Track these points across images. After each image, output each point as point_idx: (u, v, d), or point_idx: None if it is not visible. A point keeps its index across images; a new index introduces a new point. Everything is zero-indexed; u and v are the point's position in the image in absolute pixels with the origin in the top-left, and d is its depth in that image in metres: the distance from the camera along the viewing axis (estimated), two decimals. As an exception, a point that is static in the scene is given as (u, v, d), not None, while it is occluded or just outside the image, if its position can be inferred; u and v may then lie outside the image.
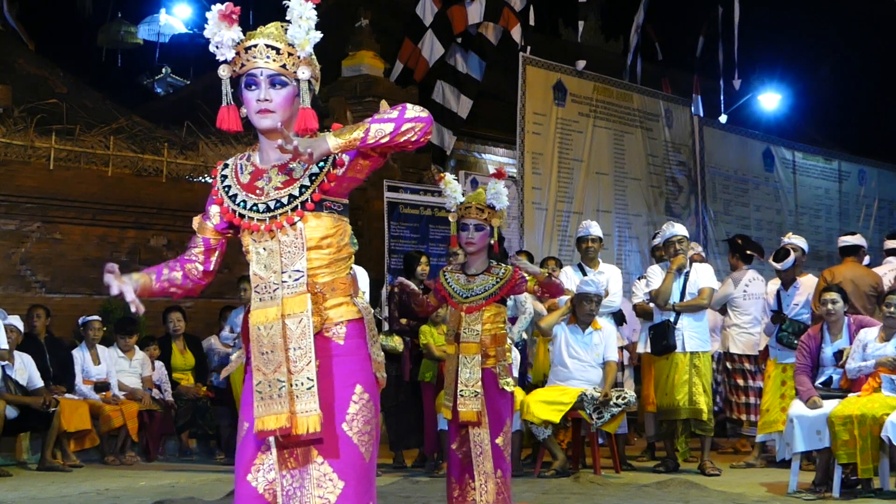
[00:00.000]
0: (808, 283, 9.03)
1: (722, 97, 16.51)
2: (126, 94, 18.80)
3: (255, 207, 3.07)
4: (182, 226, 10.84)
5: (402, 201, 11.85)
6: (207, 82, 17.61)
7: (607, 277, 9.06)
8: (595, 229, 9.20)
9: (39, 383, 8.80)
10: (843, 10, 21.98)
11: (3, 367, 8.64)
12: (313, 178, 3.02)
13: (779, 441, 8.99)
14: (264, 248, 3.05)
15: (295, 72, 3.00)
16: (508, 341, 5.43)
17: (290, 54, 3.01)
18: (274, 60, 3.02)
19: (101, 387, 9.40)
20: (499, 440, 5.19)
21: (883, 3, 18.42)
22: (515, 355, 8.36)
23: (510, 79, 13.01)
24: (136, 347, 9.81)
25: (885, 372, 7.19)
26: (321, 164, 3.03)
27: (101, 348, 9.55)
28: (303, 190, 3.02)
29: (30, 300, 10.00)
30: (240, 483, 3.02)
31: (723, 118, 16.50)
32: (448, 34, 13.40)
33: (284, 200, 3.03)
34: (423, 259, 9.16)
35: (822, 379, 7.64)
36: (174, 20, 24.25)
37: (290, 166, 3.06)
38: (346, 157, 3.02)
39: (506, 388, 5.25)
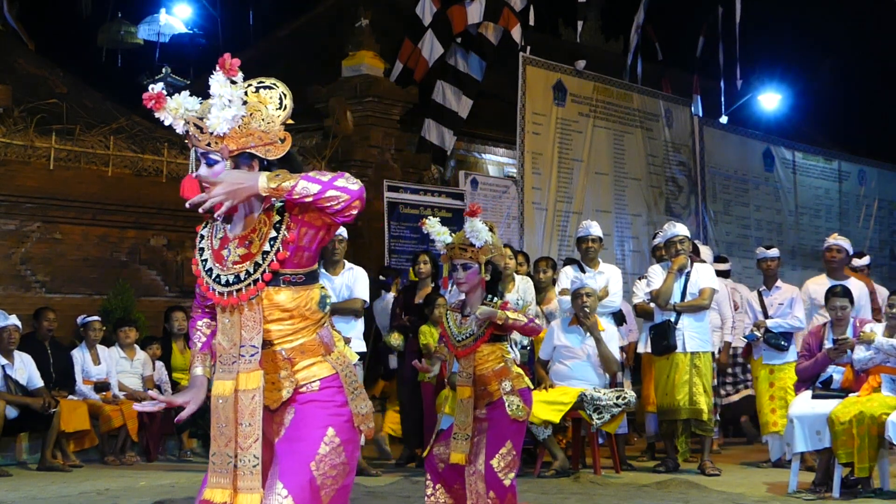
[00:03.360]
0: (789, 288, 9.28)
1: (722, 97, 16.50)
2: (126, 94, 18.77)
3: (218, 279, 3.08)
4: (182, 226, 10.85)
5: (402, 201, 11.85)
6: (207, 82, 17.58)
7: (607, 277, 9.06)
8: (595, 229, 9.20)
9: (39, 383, 8.80)
10: (843, 10, 21.97)
11: (3, 366, 8.65)
12: (265, 255, 3.02)
13: (772, 442, 9.03)
14: (228, 319, 3.06)
15: (220, 149, 2.98)
16: (508, 367, 5.32)
17: (211, 132, 2.97)
18: (199, 139, 2.99)
19: (101, 387, 9.40)
20: (493, 461, 5.14)
21: (883, 3, 18.42)
22: (515, 355, 8.36)
23: (510, 79, 13.00)
24: (137, 347, 9.81)
25: (886, 371, 7.20)
26: (271, 241, 3.02)
27: (101, 348, 9.55)
28: (256, 267, 3.02)
29: (30, 300, 9.99)
30: (199, 495, 3.13)
31: (723, 118, 16.49)
32: (448, 34, 13.40)
33: (242, 276, 3.04)
34: (422, 257, 9.25)
35: (822, 378, 7.64)
36: (174, 20, 24.21)
37: (249, 240, 3.05)
38: (294, 232, 3.01)
39: (518, 415, 5.20)
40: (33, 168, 10.30)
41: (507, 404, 5.19)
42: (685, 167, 14.61)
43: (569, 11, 17.13)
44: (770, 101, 19.45)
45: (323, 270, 8.36)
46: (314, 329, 3.10)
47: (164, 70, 23.82)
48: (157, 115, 3.00)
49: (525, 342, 8.93)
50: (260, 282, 3.01)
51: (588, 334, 8.42)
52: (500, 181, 13.46)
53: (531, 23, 13.34)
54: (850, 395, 7.30)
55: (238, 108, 2.96)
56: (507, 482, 5.15)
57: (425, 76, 13.51)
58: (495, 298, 5.28)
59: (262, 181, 2.90)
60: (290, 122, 3.12)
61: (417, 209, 11.92)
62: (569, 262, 9.63)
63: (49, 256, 10.33)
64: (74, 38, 21.69)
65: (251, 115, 3.00)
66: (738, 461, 9.40)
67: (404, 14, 14.49)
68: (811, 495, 7.20)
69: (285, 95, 3.07)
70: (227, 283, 3.06)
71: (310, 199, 2.89)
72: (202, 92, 3.10)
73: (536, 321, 5.34)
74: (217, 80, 2.96)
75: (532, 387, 5.42)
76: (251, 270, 3.03)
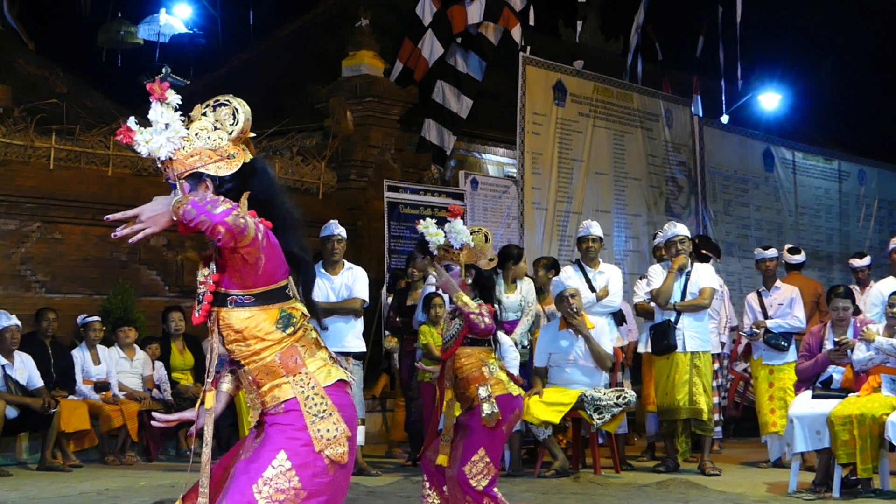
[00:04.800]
0: (788, 288, 9.32)
1: (722, 97, 16.49)
2: (126, 94, 18.78)
3: (198, 298, 3.18)
4: (182, 226, 10.86)
5: (402, 201, 11.85)
6: (207, 82, 17.58)
7: (607, 277, 9.06)
8: (595, 229, 9.20)
9: (39, 383, 8.80)
10: (843, 10, 21.97)
11: (3, 366, 8.65)
12: (207, 277, 3.11)
13: (770, 443, 9.03)
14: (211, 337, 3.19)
15: (171, 174, 3.04)
16: (487, 373, 5.33)
17: (158, 158, 3.03)
18: (159, 165, 3.06)
19: (101, 387, 9.40)
20: (466, 467, 5.19)
21: (883, 3, 18.42)
22: (515, 355, 8.36)
23: (510, 79, 13.00)
24: (137, 347, 9.82)
25: (886, 371, 7.20)
26: (212, 263, 3.09)
27: (101, 348, 9.55)
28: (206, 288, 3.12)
29: (30, 300, 9.99)
30: None
31: (723, 118, 16.48)
32: (448, 34, 13.40)
33: (201, 296, 3.14)
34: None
35: (822, 379, 7.64)
36: (174, 20, 24.20)
37: (209, 260, 3.12)
38: (223, 256, 3.03)
39: (489, 422, 5.22)
40: (33, 168, 10.31)
41: (481, 411, 5.21)
42: (685, 167, 14.60)
43: (569, 11, 17.14)
44: (770, 101, 19.44)
45: (322, 270, 8.37)
46: (275, 350, 3.09)
47: (164, 70, 23.82)
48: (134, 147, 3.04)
49: (524, 342, 8.93)
50: (204, 303, 3.08)
51: (579, 336, 8.40)
52: (500, 181, 13.46)
53: (531, 23, 13.34)
54: (850, 395, 7.29)
55: (176, 129, 2.98)
56: (479, 487, 5.17)
57: (425, 76, 13.51)
58: (478, 299, 5.31)
59: (172, 206, 2.90)
60: (251, 135, 3.12)
61: (417, 209, 11.92)
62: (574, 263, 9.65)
63: (49, 256, 10.32)
64: (74, 38, 21.69)
65: (196, 134, 3.02)
66: (738, 461, 9.40)
67: (404, 14, 14.50)
68: (811, 495, 7.20)
69: (237, 110, 3.06)
70: (199, 302, 3.15)
71: (193, 224, 2.88)
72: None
73: (486, 319, 5.26)
74: (153, 108, 2.98)
75: (516, 393, 5.37)
76: (203, 291, 3.11)
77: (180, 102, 3.01)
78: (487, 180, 13.24)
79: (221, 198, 2.92)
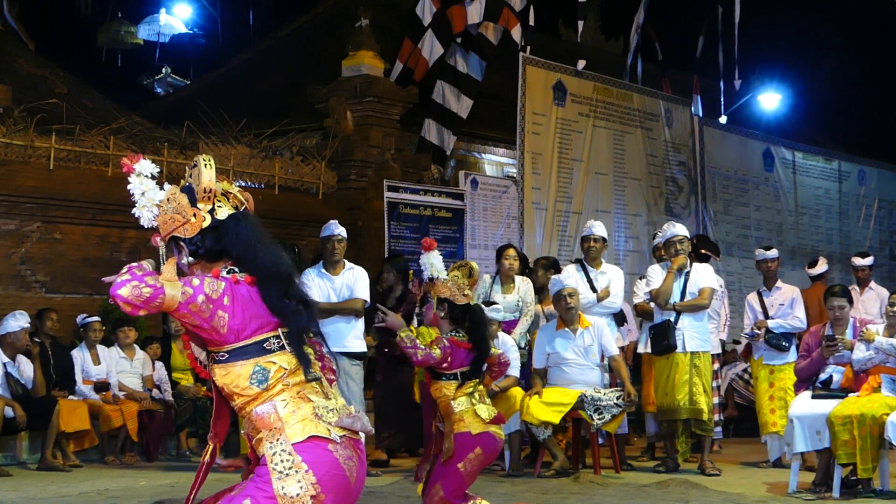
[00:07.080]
0: (789, 288, 9.36)
1: (722, 97, 16.50)
2: (126, 94, 18.81)
3: None
4: (182, 226, 10.84)
5: (402, 201, 11.85)
6: (207, 82, 17.58)
7: (609, 278, 9.06)
8: (598, 229, 9.20)
9: (39, 382, 8.82)
10: (843, 10, 21.98)
11: (3, 364, 8.66)
12: None
13: (770, 443, 9.03)
14: None
15: (157, 239, 3.19)
16: (456, 408, 5.33)
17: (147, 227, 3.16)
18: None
19: (101, 387, 9.40)
20: (427, 498, 5.27)
21: (883, 3, 18.43)
22: (516, 356, 8.36)
23: (510, 79, 13.01)
24: (137, 347, 9.82)
25: (886, 371, 7.20)
26: None
27: (101, 348, 9.55)
28: None
29: (30, 300, 9.99)
30: None
31: (723, 118, 16.48)
32: (447, 34, 13.41)
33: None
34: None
35: (822, 378, 7.64)
36: (174, 20, 24.26)
37: None
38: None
39: (443, 458, 5.27)
40: (33, 168, 10.30)
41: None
42: (685, 167, 14.61)
43: (569, 11, 17.15)
44: (770, 101, 19.45)
45: (323, 270, 8.37)
46: (254, 405, 3.11)
47: (164, 70, 23.85)
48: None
49: (522, 343, 8.92)
50: (189, 360, 3.22)
51: (577, 335, 8.38)
52: (500, 181, 13.47)
53: (531, 23, 13.34)
54: (850, 395, 7.29)
55: (149, 198, 3.08)
56: None
57: (425, 76, 13.52)
58: (451, 333, 5.37)
59: None
60: (227, 191, 3.16)
61: (417, 209, 11.92)
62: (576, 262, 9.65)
63: (49, 256, 10.32)
64: (74, 38, 21.72)
65: (168, 199, 3.10)
66: (738, 461, 9.40)
67: (404, 14, 14.50)
68: (811, 495, 7.20)
69: (200, 172, 3.11)
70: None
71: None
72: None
73: (420, 354, 5.27)
74: (130, 181, 3.08)
75: (476, 432, 5.30)
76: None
77: (157, 171, 3.09)
78: (487, 180, 13.25)
79: (131, 267, 3.04)
